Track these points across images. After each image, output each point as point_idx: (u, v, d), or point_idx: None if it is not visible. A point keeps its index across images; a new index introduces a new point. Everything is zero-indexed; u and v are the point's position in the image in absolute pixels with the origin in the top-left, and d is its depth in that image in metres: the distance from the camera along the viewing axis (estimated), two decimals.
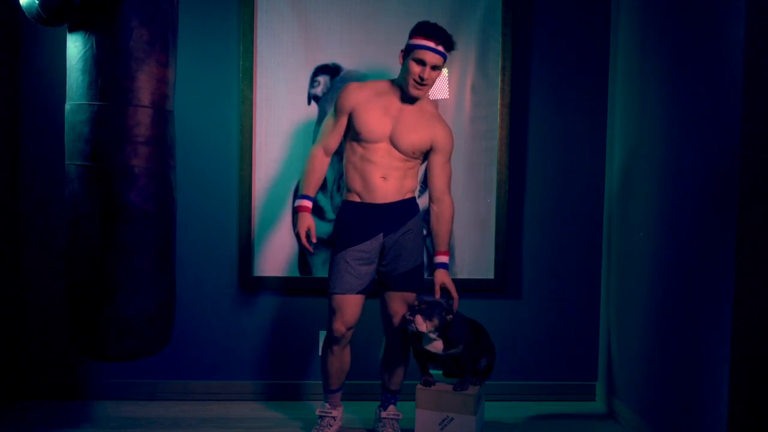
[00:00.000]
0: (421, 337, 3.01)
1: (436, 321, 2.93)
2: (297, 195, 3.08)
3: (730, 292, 2.47)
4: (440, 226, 3.07)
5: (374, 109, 2.96)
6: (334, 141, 3.04)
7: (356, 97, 2.98)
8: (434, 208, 3.09)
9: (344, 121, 3.00)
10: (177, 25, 2.69)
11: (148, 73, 2.55)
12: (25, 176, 3.51)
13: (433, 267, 3.08)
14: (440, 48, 2.87)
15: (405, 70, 2.92)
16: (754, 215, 2.44)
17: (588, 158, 3.69)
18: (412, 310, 2.95)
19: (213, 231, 3.58)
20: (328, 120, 3.05)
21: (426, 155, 3.06)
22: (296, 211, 3.04)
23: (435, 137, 3.01)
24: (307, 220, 3.02)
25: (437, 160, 3.05)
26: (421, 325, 2.93)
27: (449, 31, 2.91)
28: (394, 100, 2.98)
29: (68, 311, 2.66)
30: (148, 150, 2.57)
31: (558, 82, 3.65)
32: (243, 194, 3.55)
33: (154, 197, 2.61)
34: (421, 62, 2.87)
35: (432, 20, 3.47)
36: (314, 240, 3.04)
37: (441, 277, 3.05)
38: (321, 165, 3.06)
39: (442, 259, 3.06)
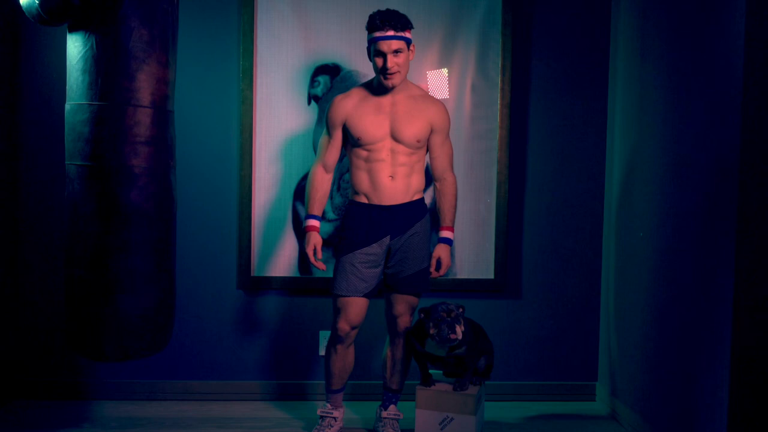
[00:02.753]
0: (425, 339, 3.01)
1: (462, 321, 2.95)
2: (304, 215, 3.09)
3: (730, 292, 2.47)
4: (444, 203, 3.10)
5: (366, 112, 2.96)
6: (332, 156, 3.05)
7: (344, 107, 2.99)
8: (437, 185, 3.12)
9: (339, 134, 3.01)
10: (177, 25, 2.68)
11: (148, 73, 2.55)
12: (24, 176, 3.51)
13: (437, 240, 3.11)
14: (391, 33, 2.86)
15: (374, 66, 2.94)
16: (754, 215, 2.44)
17: (588, 158, 3.69)
18: (449, 324, 2.90)
19: (213, 231, 3.58)
20: (323, 138, 3.06)
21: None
22: (305, 231, 3.06)
23: (432, 119, 3.01)
24: (314, 239, 3.04)
25: (436, 140, 3.05)
26: (460, 333, 2.93)
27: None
28: (381, 98, 2.99)
29: (67, 311, 2.66)
30: (148, 150, 2.57)
31: (558, 82, 3.66)
32: (243, 194, 3.55)
33: (154, 197, 2.61)
34: (381, 54, 2.88)
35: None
36: (320, 256, 3.05)
37: (439, 251, 3.08)
38: (322, 183, 3.06)
39: (446, 234, 3.09)
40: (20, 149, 3.50)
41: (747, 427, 2.48)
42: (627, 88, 3.44)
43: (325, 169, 3.06)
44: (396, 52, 2.88)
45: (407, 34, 2.91)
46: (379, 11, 2.92)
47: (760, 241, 2.44)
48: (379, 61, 2.89)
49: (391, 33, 2.86)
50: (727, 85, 2.53)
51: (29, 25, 3.41)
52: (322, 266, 3.06)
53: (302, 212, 3.57)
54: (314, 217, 3.06)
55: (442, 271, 3.09)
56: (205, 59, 3.53)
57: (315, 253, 3.04)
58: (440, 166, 3.09)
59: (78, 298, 2.61)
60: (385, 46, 2.87)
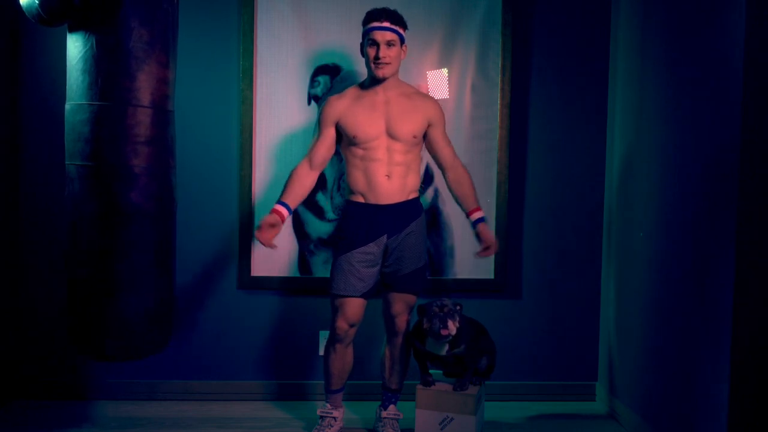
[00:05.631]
0: (426, 338, 3.01)
1: (457, 317, 2.96)
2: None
3: (730, 292, 2.47)
4: (462, 189, 3.10)
5: (361, 111, 2.97)
6: (319, 154, 3.01)
7: (338, 106, 2.99)
8: (450, 175, 3.11)
9: (331, 132, 3.00)
10: (177, 25, 2.69)
11: (149, 73, 2.55)
12: (25, 176, 3.51)
13: (473, 224, 3.08)
14: (386, 24, 2.89)
15: (366, 60, 2.96)
16: (754, 215, 2.44)
17: (588, 158, 3.69)
18: (441, 318, 2.93)
19: (213, 231, 3.58)
20: (314, 137, 3.06)
21: (424, 137, 3.07)
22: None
23: (428, 114, 3.03)
24: (269, 217, 2.90)
25: (436, 134, 3.07)
26: (453, 329, 2.94)
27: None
28: (375, 96, 2.99)
29: (69, 311, 2.66)
30: (149, 150, 2.58)
31: (558, 82, 3.65)
32: (243, 194, 3.55)
33: (154, 197, 2.61)
34: (374, 43, 2.91)
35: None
36: (270, 236, 2.90)
37: (485, 231, 3.05)
38: (301, 177, 2.99)
39: (478, 214, 3.08)
40: (20, 150, 3.50)
41: (747, 427, 2.48)
42: (627, 88, 3.44)
43: (310, 165, 3.02)
44: (389, 43, 2.90)
45: (401, 31, 2.94)
46: (376, 8, 2.96)
47: (760, 241, 2.44)
48: (372, 51, 2.91)
49: (386, 24, 2.89)
50: (727, 85, 2.53)
51: (29, 25, 3.41)
52: (269, 243, 2.89)
53: (302, 212, 3.57)
54: (283, 203, 2.96)
55: (494, 248, 3.06)
56: (205, 59, 3.53)
57: (263, 230, 2.89)
58: (448, 155, 3.10)
59: (79, 297, 2.61)
60: (379, 35, 2.89)
